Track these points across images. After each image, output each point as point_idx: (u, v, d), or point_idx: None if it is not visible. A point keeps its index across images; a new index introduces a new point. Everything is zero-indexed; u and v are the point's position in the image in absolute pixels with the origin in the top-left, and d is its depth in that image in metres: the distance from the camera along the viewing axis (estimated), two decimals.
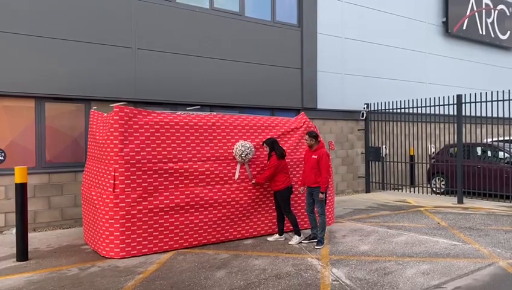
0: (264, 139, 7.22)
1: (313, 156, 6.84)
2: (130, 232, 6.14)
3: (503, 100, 10.65)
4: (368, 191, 13.25)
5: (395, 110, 12.69)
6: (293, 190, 7.27)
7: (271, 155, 6.93)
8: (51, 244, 7.05)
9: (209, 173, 6.84)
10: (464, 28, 16.48)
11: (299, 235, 6.97)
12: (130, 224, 6.14)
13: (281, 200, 6.96)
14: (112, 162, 6.16)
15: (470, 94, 11.52)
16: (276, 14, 11.61)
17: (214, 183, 6.88)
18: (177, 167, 6.57)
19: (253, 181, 7.11)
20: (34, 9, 8.16)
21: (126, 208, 6.11)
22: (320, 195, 6.71)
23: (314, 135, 6.94)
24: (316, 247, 6.65)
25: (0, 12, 7.87)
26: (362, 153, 13.50)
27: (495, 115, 11.08)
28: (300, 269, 5.59)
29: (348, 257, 6.14)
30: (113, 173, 6.12)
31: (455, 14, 16.14)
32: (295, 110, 11.79)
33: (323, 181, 6.69)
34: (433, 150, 14.10)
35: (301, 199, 7.75)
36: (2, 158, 8.01)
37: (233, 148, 7.07)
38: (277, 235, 7.15)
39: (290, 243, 6.91)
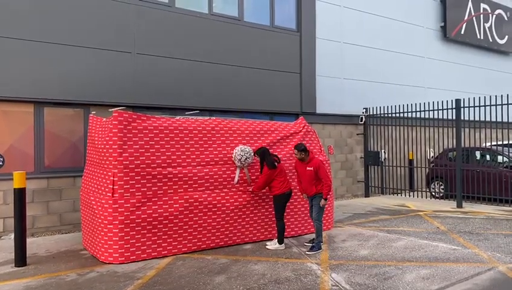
0: (259, 146, 7.19)
1: (308, 168, 6.78)
2: (128, 237, 6.12)
3: (502, 104, 10.67)
4: (367, 195, 13.24)
5: (393, 115, 12.71)
6: (293, 194, 7.25)
7: (263, 165, 6.89)
8: (50, 249, 7.02)
9: (208, 177, 6.83)
10: (462, 32, 16.54)
11: (281, 243, 6.89)
12: (128, 229, 6.12)
13: (274, 205, 6.95)
14: (111, 167, 6.15)
15: (469, 98, 11.54)
16: (275, 19, 11.64)
17: (213, 188, 6.87)
18: (176, 171, 6.56)
19: (250, 189, 7.10)
20: (33, 14, 8.18)
21: (125, 213, 6.09)
22: (323, 201, 6.70)
23: (302, 149, 6.80)
24: (306, 252, 6.61)
25: None
26: (361, 157, 13.50)
27: (494, 119, 11.09)
28: (300, 274, 5.57)
29: (347, 261, 6.13)
30: (112, 178, 6.11)
31: (453, 19, 16.21)
32: (294, 114, 11.80)
33: (326, 189, 6.68)
34: (432, 154, 14.10)
35: (300, 203, 7.74)
36: (1, 163, 7.99)
37: (232, 153, 7.06)
38: (276, 241, 7.12)
39: (267, 246, 6.91)
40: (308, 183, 6.82)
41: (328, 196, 6.80)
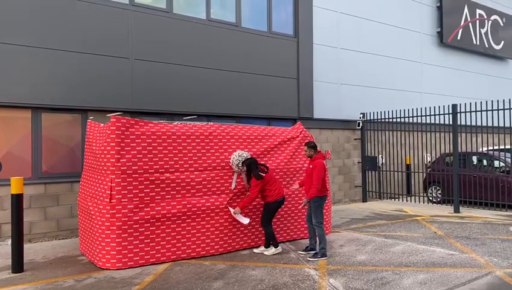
0: (257, 152, 7.23)
1: (310, 166, 6.84)
2: (126, 243, 6.11)
3: (498, 109, 10.72)
4: (364, 200, 13.25)
5: (391, 120, 12.76)
6: (290, 199, 7.27)
7: (251, 176, 6.81)
8: (47, 255, 7.00)
9: (206, 183, 6.83)
10: (459, 38, 16.64)
11: (276, 246, 6.85)
12: (126, 235, 6.11)
13: (263, 211, 6.89)
14: (109, 172, 6.15)
15: (465, 104, 11.61)
16: (273, 25, 11.70)
17: (210, 193, 6.87)
18: (174, 177, 6.57)
19: (233, 209, 6.84)
20: (31, 20, 8.19)
21: (122, 219, 6.09)
22: (303, 200, 6.77)
23: (312, 145, 6.90)
24: (309, 258, 6.55)
25: None
26: (359, 162, 13.53)
27: (490, 124, 11.15)
28: (298, 280, 5.57)
29: (345, 267, 6.13)
30: (109, 184, 6.11)
31: (449, 25, 16.32)
32: (292, 119, 11.84)
33: (312, 190, 6.58)
34: (429, 159, 14.15)
35: (298, 208, 7.74)
36: None
37: (230, 158, 7.07)
38: (272, 246, 7.11)
39: (264, 252, 6.85)
40: (307, 181, 6.83)
41: (326, 201, 6.84)
